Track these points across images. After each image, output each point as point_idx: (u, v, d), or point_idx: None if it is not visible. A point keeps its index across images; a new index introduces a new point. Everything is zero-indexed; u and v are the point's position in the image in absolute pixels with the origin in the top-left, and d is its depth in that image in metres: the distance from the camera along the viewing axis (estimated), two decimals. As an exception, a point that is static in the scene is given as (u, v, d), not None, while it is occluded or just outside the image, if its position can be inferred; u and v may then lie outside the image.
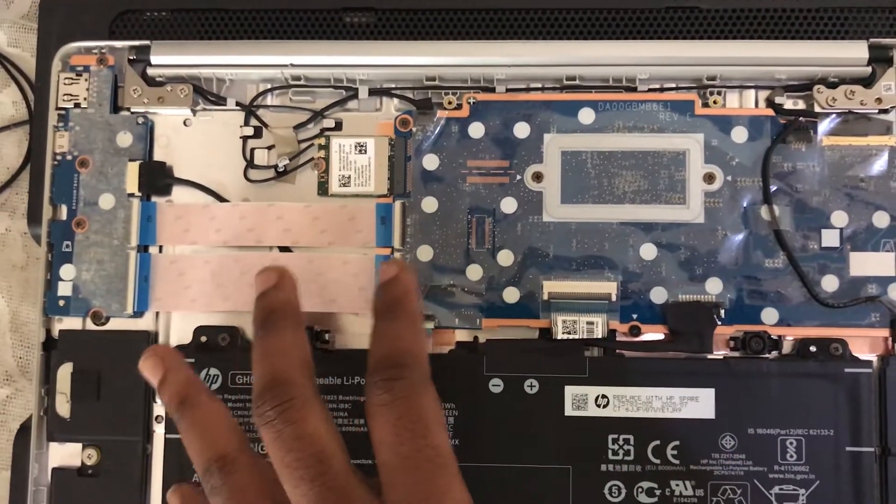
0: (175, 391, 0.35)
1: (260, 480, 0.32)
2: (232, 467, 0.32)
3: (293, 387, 0.32)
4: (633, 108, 0.40)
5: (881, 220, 0.39)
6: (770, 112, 0.40)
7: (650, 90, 0.41)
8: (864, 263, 0.39)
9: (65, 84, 0.42)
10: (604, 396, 0.39)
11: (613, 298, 0.39)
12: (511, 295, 0.40)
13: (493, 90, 0.41)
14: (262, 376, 0.33)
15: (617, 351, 0.39)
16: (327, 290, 0.40)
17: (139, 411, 0.40)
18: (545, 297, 0.40)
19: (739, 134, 0.40)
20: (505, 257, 0.40)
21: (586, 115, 0.40)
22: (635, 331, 0.39)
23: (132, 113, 0.42)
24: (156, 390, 0.35)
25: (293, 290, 0.36)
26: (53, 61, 0.42)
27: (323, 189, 0.41)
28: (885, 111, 0.40)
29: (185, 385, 0.35)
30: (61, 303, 0.41)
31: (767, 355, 0.39)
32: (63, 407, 0.40)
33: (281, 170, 0.41)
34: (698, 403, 0.38)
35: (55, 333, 0.41)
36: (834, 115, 0.40)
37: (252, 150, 0.42)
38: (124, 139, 0.41)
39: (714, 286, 0.39)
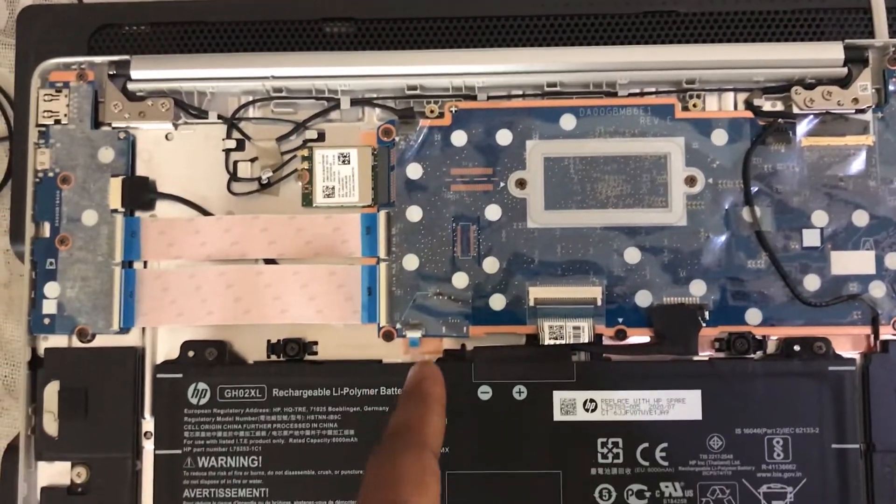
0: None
1: None
2: None
3: None
4: (613, 113, 0.41)
5: (861, 218, 0.40)
6: (749, 114, 0.41)
7: (630, 95, 0.41)
8: (844, 262, 0.40)
9: (44, 100, 0.42)
10: (592, 401, 0.39)
11: (599, 303, 0.40)
12: (497, 302, 0.40)
13: (474, 98, 0.41)
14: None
15: (604, 355, 0.40)
16: (314, 302, 0.40)
17: (128, 428, 0.40)
18: (531, 303, 0.40)
19: (719, 136, 0.40)
20: (490, 264, 0.40)
21: (568, 121, 0.41)
22: (621, 334, 0.40)
23: (113, 128, 0.42)
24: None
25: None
26: (32, 78, 0.42)
27: (307, 200, 0.41)
28: (862, 111, 0.40)
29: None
30: (46, 321, 0.41)
31: (752, 356, 0.39)
32: (51, 425, 0.40)
33: (264, 182, 0.41)
34: (685, 405, 0.39)
35: (41, 352, 0.41)
36: (812, 116, 0.40)
37: (235, 162, 0.42)
38: (106, 155, 0.41)
39: (698, 288, 0.40)
